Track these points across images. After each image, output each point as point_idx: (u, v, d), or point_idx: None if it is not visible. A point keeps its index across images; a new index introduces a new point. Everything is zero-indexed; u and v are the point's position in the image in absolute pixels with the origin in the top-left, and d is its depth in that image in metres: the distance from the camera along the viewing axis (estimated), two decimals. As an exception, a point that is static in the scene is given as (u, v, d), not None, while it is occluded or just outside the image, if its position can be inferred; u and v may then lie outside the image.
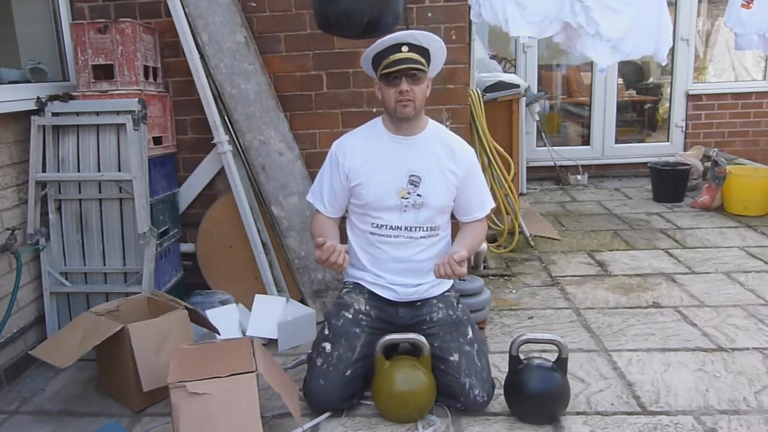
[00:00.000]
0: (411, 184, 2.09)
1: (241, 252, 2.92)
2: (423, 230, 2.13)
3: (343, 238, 2.25)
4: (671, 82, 5.84)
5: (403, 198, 2.09)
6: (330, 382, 2.03)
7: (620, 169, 5.90)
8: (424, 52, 2.06)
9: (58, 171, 2.58)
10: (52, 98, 2.56)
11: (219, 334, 2.40)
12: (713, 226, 4.20)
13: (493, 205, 2.28)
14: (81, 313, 2.36)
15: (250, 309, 2.69)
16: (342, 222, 2.29)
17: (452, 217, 2.26)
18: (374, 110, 2.97)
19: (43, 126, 2.53)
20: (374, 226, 2.14)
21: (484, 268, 3.41)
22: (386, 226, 2.12)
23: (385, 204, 2.10)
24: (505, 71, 5.36)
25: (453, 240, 2.29)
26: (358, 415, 2.07)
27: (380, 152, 2.13)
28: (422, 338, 2.03)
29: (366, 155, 2.13)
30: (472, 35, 3.29)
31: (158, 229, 2.68)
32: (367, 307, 2.15)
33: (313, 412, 2.06)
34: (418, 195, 2.10)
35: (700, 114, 5.78)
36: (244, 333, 2.60)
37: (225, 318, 2.58)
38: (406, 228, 2.11)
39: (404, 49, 2.01)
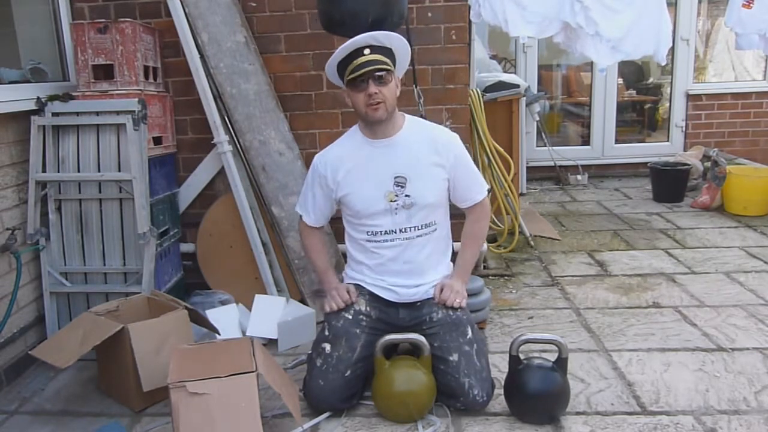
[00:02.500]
0: (397, 185, 2.08)
1: (241, 252, 2.92)
2: (418, 229, 2.12)
3: (341, 240, 2.26)
4: (671, 82, 5.84)
5: (391, 201, 2.08)
6: (330, 383, 2.03)
7: (620, 169, 5.90)
8: (388, 52, 2.04)
9: (58, 171, 2.58)
10: (52, 98, 2.56)
11: (219, 334, 2.40)
12: (713, 226, 4.20)
13: (487, 185, 2.28)
14: (81, 313, 2.36)
15: (250, 309, 2.69)
16: (340, 227, 2.30)
17: (453, 216, 2.26)
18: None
19: (43, 126, 2.53)
20: (369, 234, 2.13)
21: (484, 268, 3.41)
22: (380, 231, 2.12)
23: (374, 210, 2.10)
24: (505, 71, 5.36)
25: (452, 238, 2.29)
26: (358, 415, 2.07)
27: (362, 160, 2.12)
28: (422, 338, 2.03)
29: (348, 166, 2.12)
30: (472, 35, 3.29)
31: (158, 229, 2.68)
32: (368, 308, 2.14)
33: (312, 412, 2.06)
34: (407, 195, 2.08)
35: (700, 114, 5.78)
36: (244, 333, 2.60)
37: (225, 318, 2.58)
38: (400, 230, 2.11)
39: (366, 51, 1.99)
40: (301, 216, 2.28)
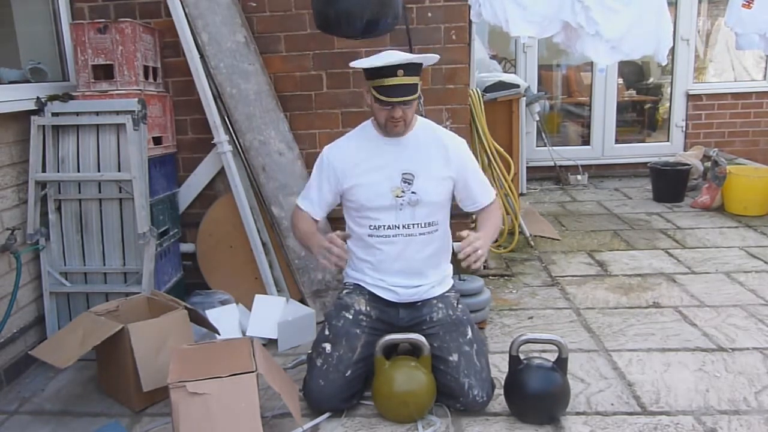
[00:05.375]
0: (405, 182, 2.10)
1: (241, 252, 2.92)
2: (421, 227, 2.12)
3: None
4: (671, 82, 5.84)
5: (397, 197, 2.09)
6: (330, 383, 2.03)
7: (620, 169, 5.90)
8: (418, 67, 2.04)
9: (58, 171, 2.58)
10: (52, 98, 2.56)
11: (219, 334, 2.40)
12: (713, 226, 4.20)
13: (494, 190, 2.28)
14: (81, 313, 2.36)
15: (250, 309, 2.69)
16: (340, 227, 2.29)
17: (454, 217, 2.27)
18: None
19: (43, 126, 2.53)
20: (372, 228, 2.13)
21: (484, 268, 3.40)
22: (384, 226, 2.12)
23: (380, 204, 2.10)
24: (505, 71, 5.36)
25: (453, 240, 2.30)
26: (358, 415, 2.07)
27: (373, 154, 2.13)
28: (422, 338, 2.03)
29: (358, 158, 2.13)
30: (472, 35, 3.29)
31: (158, 229, 2.68)
32: (368, 308, 2.15)
33: (313, 413, 2.06)
34: (413, 192, 2.09)
35: (700, 114, 5.78)
36: (244, 333, 2.60)
37: (225, 318, 2.58)
38: (403, 226, 2.11)
39: (400, 73, 1.97)
40: (297, 206, 2.23)
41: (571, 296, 3.05)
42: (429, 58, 2.08)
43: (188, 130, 3.04)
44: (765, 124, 5.77)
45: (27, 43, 2.95)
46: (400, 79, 1.98)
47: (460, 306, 2.19)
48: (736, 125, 5.76)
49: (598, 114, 5.86)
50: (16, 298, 2.39)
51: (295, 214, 2.27)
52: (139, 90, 2.66)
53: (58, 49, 2.89)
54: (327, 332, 2.11)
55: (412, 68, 2.00)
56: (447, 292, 2.22)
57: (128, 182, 2.53)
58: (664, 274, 3.30)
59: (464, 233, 2.03)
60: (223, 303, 2.73)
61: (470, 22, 3.16)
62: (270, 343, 2.58)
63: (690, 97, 5.75)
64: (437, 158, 2.13)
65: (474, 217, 2.31)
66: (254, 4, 2.95)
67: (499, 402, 2.08)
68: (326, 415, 2.05)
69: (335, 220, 2.74)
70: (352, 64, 2.11)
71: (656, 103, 6.42)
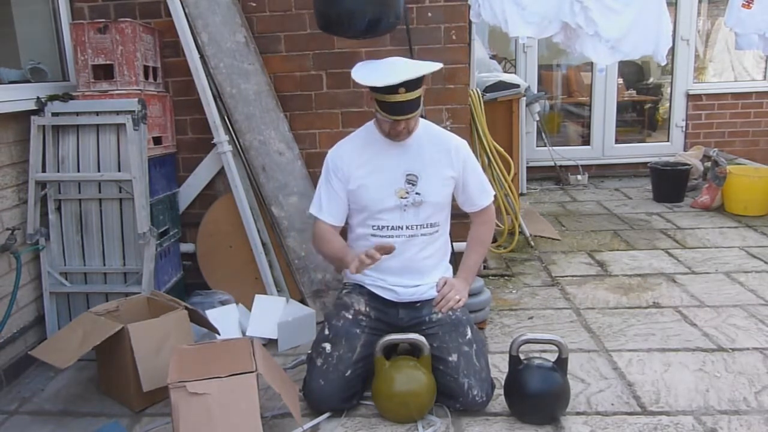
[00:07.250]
0: (409, 183, 2.11)
1: (241, 252, 2.92)
2: (423, 227, 2.14)
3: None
4: (671, 82, 5.83)
5: (402, 198, 2.11)
6: (330, 383, 2.03)
7: (620, 169, 5.90)
8: (420, 81, 2.00)
9: (58, 171, 2.58)
10: (52, 98, 2.56)
11: (219, 334, 2.40)
12: (713, 226, 4.20)
13: (493, 192, 2.29)
14: (81, 313, 2.36)
15: (250, 309, 2.69)
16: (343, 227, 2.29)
17: (454, 217, 2.27)
18: (374, 110, 2.96)
19: (43, 126, 2.53)
20: (375, 228, 2.14)
21: (484, 268, 3.40)
22: (387, 227, 2.13)
23: (384, 205, 2.11)
24: (505, 71, 5.36)
25: (454, 239, 2.30)
26: (358, 415, 2.07)
27: (376, 155, 2.14)
28: (422, 338, 2.03)
29: (362, 160, 2.14)
30: (472, 35, 3.29)
31: (158, 229, 2.68)
32: (367, 308, 2.15)
33: (312, 413, 2.06)
34: (417, 193, 2.11)
35: (700, 114, 5.78)
36: (244, 333, 2.60)
37: (225, 318, 2.58)
38: (407, 227, 2.13)
39: (401, 90, 1.94)
40: (315, 219, 2.20)
41: (571, 296, 3.05)
42: (431, 67, 2.01)
43: (188, 130, 3.04)
44: (765, 124, 5.77)
45: (27, 43, 2.95)
46: (403, 96, 1.96)
47: (459, 306, 2.19)
48: (736, 125, 5.76)
49: (598, 114, 5.86)
50: (16, 298, 2.39)
51: (317, 232, 2.20)
52: (139, 90, 2.66)
53: (58, 49, 2.89)
54: (327, 332, 2.11)
55: (413, 84, 1.97)
56: (446, 292, 2.22)
57: (128, 182, 2.53)
58: (664, 274, 3.30)
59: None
60: (223, 303, 2.73)
61: (470, 22, 3.16)
62: (270, 343, 2.58)
63: (690, 97, 5.75)
64: (440, 159, 2.14)
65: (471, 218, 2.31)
66: (254, 4, 2.95)
67: (499, 402, 2.08)
68: (326, 415, 2.05)
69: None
70: (353, 77, 2.03)
71: (656, 103, 6.43)
